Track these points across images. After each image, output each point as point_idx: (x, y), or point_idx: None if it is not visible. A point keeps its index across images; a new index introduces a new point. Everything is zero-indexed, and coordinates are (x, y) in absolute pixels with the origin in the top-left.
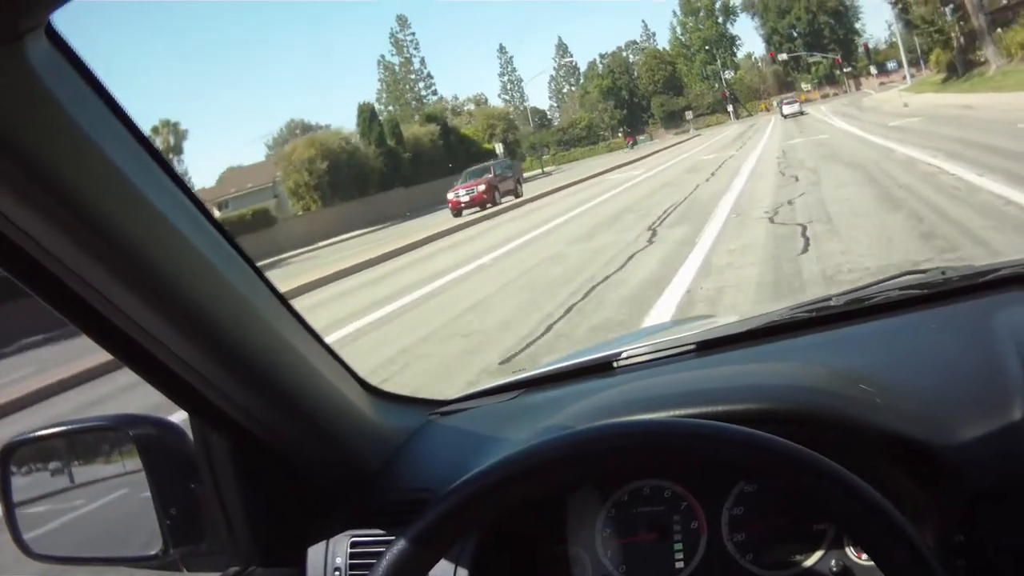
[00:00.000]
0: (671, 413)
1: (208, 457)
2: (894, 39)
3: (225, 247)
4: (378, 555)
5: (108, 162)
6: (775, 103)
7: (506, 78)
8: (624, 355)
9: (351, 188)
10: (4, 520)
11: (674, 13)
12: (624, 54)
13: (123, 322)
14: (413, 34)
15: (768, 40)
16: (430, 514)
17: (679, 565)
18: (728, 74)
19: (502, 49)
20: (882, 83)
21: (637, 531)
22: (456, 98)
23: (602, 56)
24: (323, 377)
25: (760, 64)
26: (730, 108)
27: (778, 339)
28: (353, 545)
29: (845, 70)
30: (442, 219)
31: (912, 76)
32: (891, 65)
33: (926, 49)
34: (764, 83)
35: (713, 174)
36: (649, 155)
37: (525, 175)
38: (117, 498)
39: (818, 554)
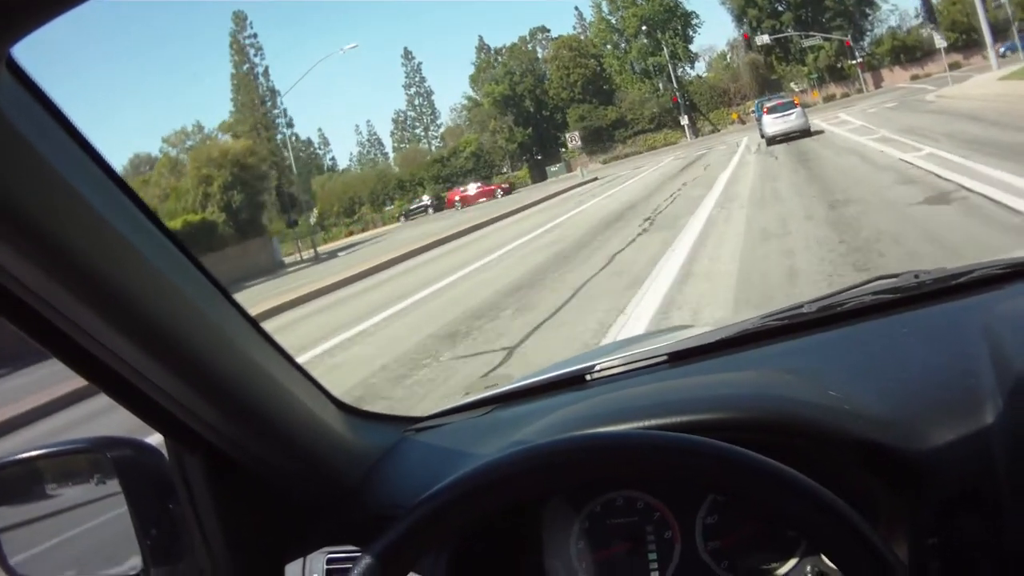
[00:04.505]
0: (639, 424)
1: (184, 478)
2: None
3: (194, 272)
4: None
5: (75, 193)
6: (752, 110)
7: (413, 90)
8: (597, 368)
9: None
10: None
11: None
12: (529, 46)
13: (95, 347)
14: (255, 36)
15: (740, 17)
16: (392, 531)
17: (654, 575)
18: (686, 70)
19: (407, 55)
20: (914, 76)
21: (611, 542)
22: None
23: (497, 52)
24: (296, 397)
25: (730, 56)
26: (684, 121)
27: (750, 348)
28: (329, 562)
29: (855, 60)
30: None
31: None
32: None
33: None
34: (736, 81)
35: None
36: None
37: (287, 259)
38: (98, 519)
39: (793, 561)
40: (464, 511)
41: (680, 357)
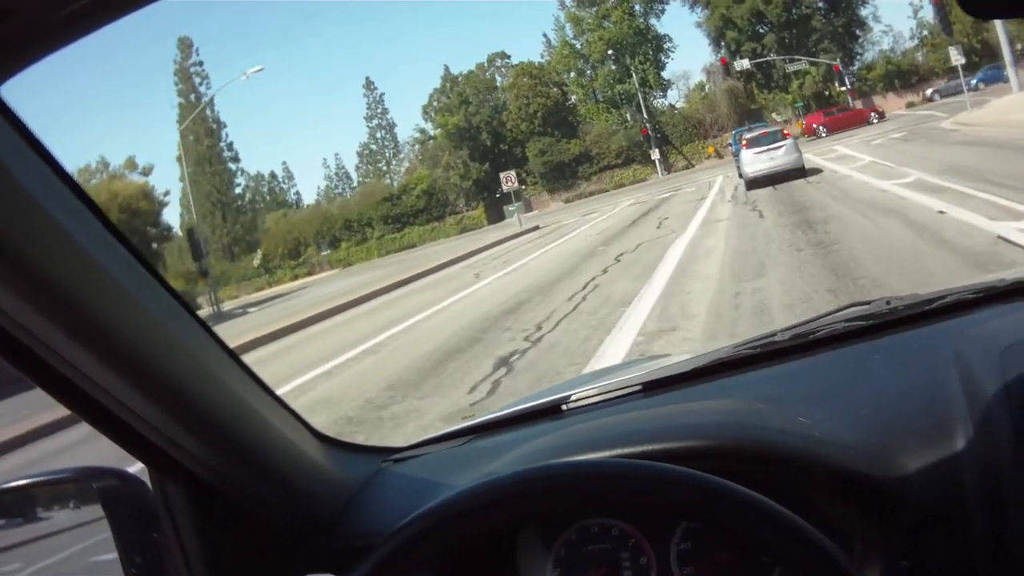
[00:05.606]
0: (614, 453)
1: (167, 507)
2: (926, 34)
3: (174, 305)
4: None
5: (59, 227)
6: (729, 143)
7: (375, 122)
8: (573, 398)
9: None
10: None
11: (562, 3)
12: (487, 74)
13: (78, 378)
14: (201, 64)
15: (718, 40)
16: (368, 560)
17: None
18: (658, 99)
19: (369, 85)
20: (910, 103)
21: (587, 569)
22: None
23: (452, 81)
24: (276, 428)
25: (708, 86)
26: (655, 155)
27: (723, 376)
28: None
29: (845, 86)
30: None
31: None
32: None
33: None
34: (712, 111)
35: None
36: None
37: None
38: (84, 548)
39: None
40: (439, 540)
41: (654, 386)
